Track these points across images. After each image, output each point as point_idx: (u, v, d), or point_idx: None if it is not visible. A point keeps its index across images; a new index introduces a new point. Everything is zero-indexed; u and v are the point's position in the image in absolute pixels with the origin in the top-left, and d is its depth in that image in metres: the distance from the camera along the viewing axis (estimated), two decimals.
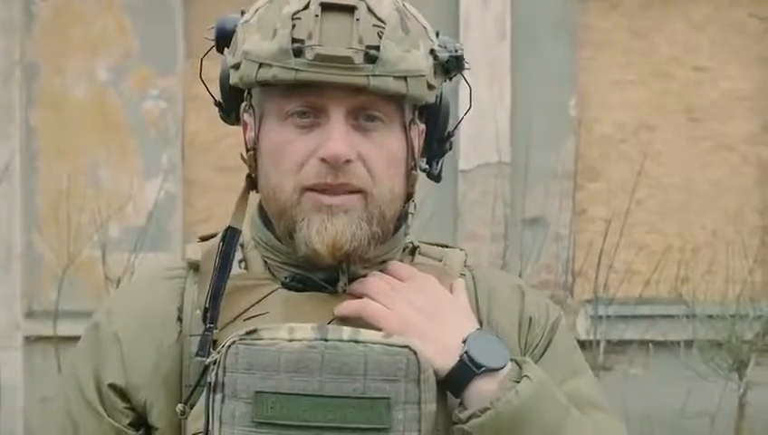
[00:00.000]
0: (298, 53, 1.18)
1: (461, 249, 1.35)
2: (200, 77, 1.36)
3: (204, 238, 1.34)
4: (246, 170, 1.31)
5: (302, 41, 1.18)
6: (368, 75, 1.18)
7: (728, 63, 6.11)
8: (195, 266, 1.30)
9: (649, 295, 5.44)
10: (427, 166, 1.34)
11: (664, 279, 5.46)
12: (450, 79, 1.28)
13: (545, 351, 1.31)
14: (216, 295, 1.24)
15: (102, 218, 5.43)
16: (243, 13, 1.27)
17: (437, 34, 1.27)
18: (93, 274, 5.54)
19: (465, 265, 1.34)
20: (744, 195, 6.08)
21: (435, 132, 1.32)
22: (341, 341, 1.15)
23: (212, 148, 6.09)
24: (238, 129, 1.32)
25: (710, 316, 5.23)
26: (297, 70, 1.18)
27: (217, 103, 1.34)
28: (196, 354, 1.22)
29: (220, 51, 1.30)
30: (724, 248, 5.65)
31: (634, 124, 6.11)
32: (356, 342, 1.15)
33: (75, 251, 5.41)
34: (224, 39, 1.28)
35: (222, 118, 1.36)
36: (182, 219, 6.14)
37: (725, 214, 6.01)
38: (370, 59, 1.18)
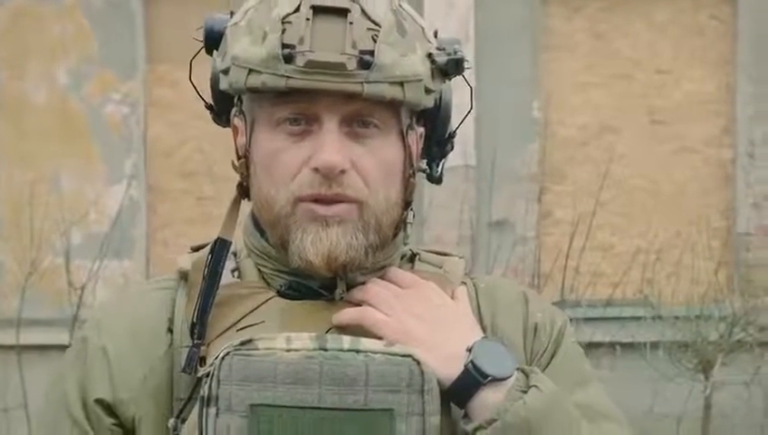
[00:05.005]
0: (289, 59, 1.13)
1: (460, 257, 1.31)
2: (190, 79, 1.30)
3: (195, 249, 1.29)
4: (232, 178, 1.26)
5: (292, 46, 1.13)
6: (362, 82, 1.13)
7: (690, 66, 6.15)
8: (185, 277, 1.25)
9: (616, 298, 5.47)
10: (426, 168, 1.30)
11: (630, 281, 5.48)
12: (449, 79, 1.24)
13: (552, 359, 1.26)
14: (203, 309, 1.19)
15: (65, 225, 5.36)
16: (232, 14, 1.22)
17: (435, 34, 1.22)
18: (56, 281, 5.47)
19: (465, 273, 1.30)
20: (706, 196, 6.12)
21: (435, 134, 1.27)
22: (342, 350, 1.11)
23: (174, 153, 6.02)
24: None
25: (676, 318, 5.27)
26: (288, 77, 1.13)
27: (208, 106, 1.29)
28: (183, 370, 1.18)
29: (209, 53, 1.25)
30: (689, 250, 5.69)
31: (597, 126, 6.14)
32: (357, 351, 1.11)
33: (38, 259, 5.34)
34: (213, 41, 1.23)
35: (214, 120, 1.31)
36: (146, 225, 6.08)
37: (689, 215, 6.05)
38: (365, 65, 1.13)
